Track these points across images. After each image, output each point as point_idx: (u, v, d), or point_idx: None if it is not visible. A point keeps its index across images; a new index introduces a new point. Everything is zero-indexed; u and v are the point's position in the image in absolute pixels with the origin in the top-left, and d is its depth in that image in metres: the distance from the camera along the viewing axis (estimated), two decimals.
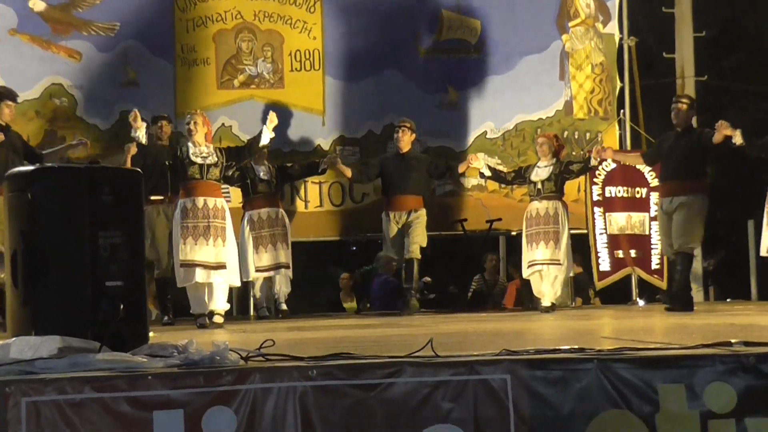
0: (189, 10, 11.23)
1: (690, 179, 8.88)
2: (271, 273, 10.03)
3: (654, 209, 11.17)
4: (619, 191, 11.20)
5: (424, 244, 10.18)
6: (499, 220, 11.31)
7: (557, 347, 4.34)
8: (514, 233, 11.68)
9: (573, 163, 10.06)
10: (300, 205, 11.14)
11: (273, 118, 9.09)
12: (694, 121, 9.64)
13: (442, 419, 3.87)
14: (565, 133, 11.17)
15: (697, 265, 12.06)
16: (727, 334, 4.79)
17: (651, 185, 11.18)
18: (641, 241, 11.19)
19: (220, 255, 8.37)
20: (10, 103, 8.93)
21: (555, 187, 9.77)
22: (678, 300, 8.87)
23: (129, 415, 3.72)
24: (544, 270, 9.74)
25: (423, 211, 10.15)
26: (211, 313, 8.36)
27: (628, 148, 11.54)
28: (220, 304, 8.45)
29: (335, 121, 11.39)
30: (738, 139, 8.43)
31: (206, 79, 11.27)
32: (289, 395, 3.81)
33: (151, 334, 4.53)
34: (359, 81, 11.47)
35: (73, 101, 10.93)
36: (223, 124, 11.13)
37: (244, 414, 3.79)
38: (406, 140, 10.23)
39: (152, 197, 9.33)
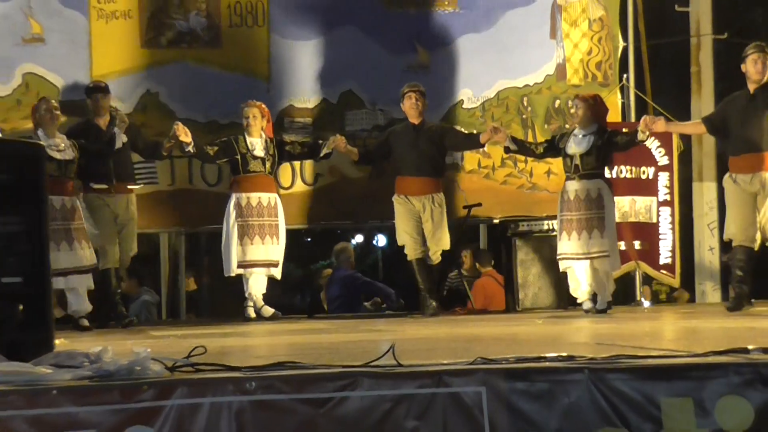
0: None
1: None
2: (257, 270, 9.97)
3: (664, 192, 11.25)
4: (622, 171, 11.26)
5: (448, 247, 10.28)
6: (479, 205, 11.34)
7: (542, 355, 4.36)
8: (496, 221, 11.73)
9: (618, 134, 9.78)
10: None
11: (123, 118, 9.56)
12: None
13: None
14: (557, 102, 11.21)
15: (714, 260, 12.16)
16: (745, 339, 4.84)
17: (660, 164, 11.28)
18: (648, 231, 11.26)
19: (77, 258, 9.10)
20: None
21: (596, 162, 9.47)
22: None
23: None
24: (593, 264, 9.48)
25: (442, 197, 10.19)
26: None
27: (633, 119, 11.56)
28: (84, 305, 9.21)
29: (282, 88, 11.39)
30: None
31: (128, 35, 11.19)
32: (223, 412, 3.82)
33: (57, 340, 4.53)
34: (311, 40, 11.47)
35: None
36: (147, 90, 11.08)
37: None
38: (420, 108, 10.14)
39: (94, 185, 9.48)
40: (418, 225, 10.11)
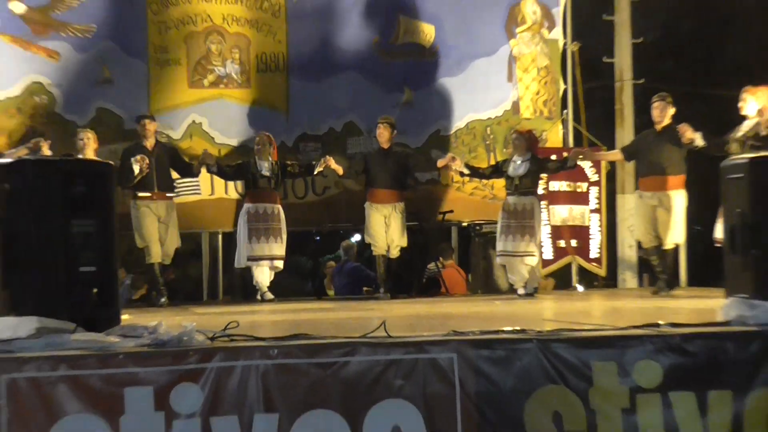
0: (161, 13, 11.11)
1: (673, 174, 8.96)
2: (263, 263, 9.94)
3: (594, 202, 11.27)
4: (562, 186, 11.25)
5: (405, 245, 10.24)
6: (451, 212, 11.37)
7: (501, 329, 4.37)
8: (465, 224, 11.74)
9: (550, 161, 9.95)
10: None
11: (144, 159, 9.37)
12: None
13: (394, 395, 3.91)
14: (513, 131, 11.17)
15: (632, 255, 12.15)
16: (656, 316, 4.84)
17: (591, 180, 11.30)
18: (581, 232, 11.26)
19: None
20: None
21: (531, 183, 9.59)
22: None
23: (102, 392, 3.72)
24: (521, 260, 9.59)
25: (402, 206, 10.16)
26: None
27: (571, 145, 11.56)
28: None
29: (298, 119, 11.29)
30: (699, 141, 8.55)
31: (178, 78, 11.14)
32: (252, 373, 3.83)
33: (123, 316, 4.53)
34: (321, 81, 11.36)
35: (52, 99, 10.79)
36: (193, 120, 11.06)
37: (210, 390, 3.80)
38: (386, 136, 10.15)
39: (139, 194, 9.51)
40: (384, 228, 10.07)
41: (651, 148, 9.08)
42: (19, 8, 10.75)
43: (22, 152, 8.68)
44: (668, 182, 8.96)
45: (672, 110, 9.04)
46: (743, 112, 8.29)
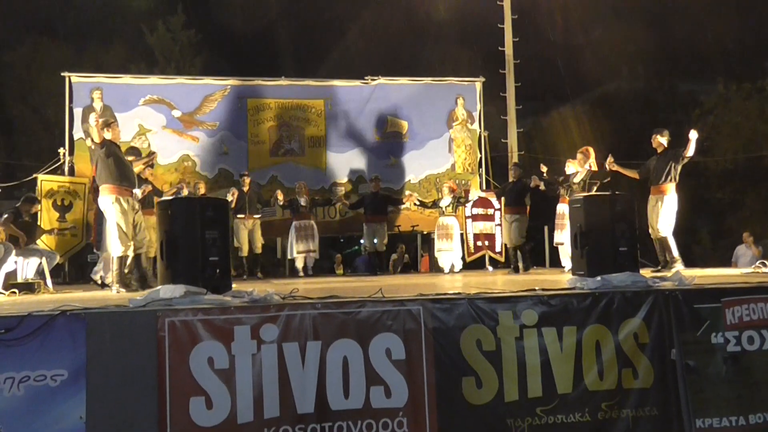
0: (255, 116, 11.20)
1: (517, 206, 9.00)
2: (303, 254, 9.92)
3: (498, 219, 11.25)
4: (480, 211, 11.22)
5: (386, 240, 10.32)
6: (417, 225, 11.38)
7: (447, 292, 4.35)
8: (425, 232, 11.72)
9: (461, 198, 10.15)
10: (320, 217, 11.09)
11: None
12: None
13: (387, 330, 3.87)
14: (451, 181, 11.20)
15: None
16: (533, 284, 4.82)
17: (496, 208, 11.27)
18: (490, 237, 11.23)
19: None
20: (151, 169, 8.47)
21: (453, 210, 9.76)
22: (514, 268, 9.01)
23: (221, 328, 3.68)
24: (448, 253, 9.67)
25: (385, 224, 10.24)
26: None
27: (484, 188, 11.63)
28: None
29: (331, 174, 11.33)
30: (542, 186, 8.61)
31: (264, 150, 11.14)
32: (306, 317, 3.79)
33: (233, 285, 4.48)
34: (344, 152, 11.38)
35: (195, 164, 10.85)
36: (273, 175, 11.11)
37: (282, 327, 3.76)
38: (376, 185, 10.37)
39: (237, 215, 9.43)
40: (374, 237, 10.10)
41: (509, 192, 9.16)
42: (177, 113, 10.91)
43: (173, 192, 8.65)
44: (513, 210, 9.04)
45: (522, 171, 9.30)
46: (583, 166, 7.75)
